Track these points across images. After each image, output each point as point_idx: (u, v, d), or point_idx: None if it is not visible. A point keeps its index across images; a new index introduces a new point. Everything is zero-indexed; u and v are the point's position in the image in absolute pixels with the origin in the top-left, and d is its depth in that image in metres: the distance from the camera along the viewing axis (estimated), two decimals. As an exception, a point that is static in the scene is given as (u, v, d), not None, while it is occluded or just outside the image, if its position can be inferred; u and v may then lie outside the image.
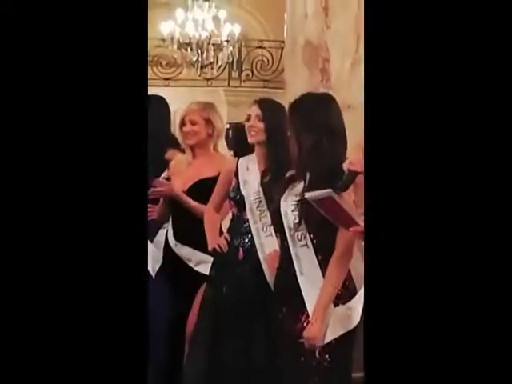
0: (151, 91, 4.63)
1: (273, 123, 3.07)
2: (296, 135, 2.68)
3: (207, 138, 3.53)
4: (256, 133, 3.10)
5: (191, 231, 3.24)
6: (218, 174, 3.34)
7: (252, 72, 10.28)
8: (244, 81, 10.31)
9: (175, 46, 9.46)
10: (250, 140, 3.14)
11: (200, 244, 3.37)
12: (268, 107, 3.14)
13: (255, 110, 3.12)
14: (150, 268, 3.65)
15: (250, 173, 3.16)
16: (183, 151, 3.66)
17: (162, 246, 3.60)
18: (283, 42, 9.82)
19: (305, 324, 2.62)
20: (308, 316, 2.61)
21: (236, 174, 3.20)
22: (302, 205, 2.60)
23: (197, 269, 3.44)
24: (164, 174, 3.65)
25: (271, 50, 10.11)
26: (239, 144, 3.45)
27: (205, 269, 3.35)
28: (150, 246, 3.67)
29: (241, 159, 3.25)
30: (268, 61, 10.12)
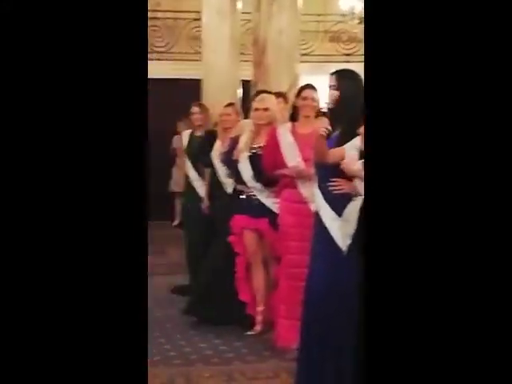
0: (330, 67, 4.59)
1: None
2: None
3: None
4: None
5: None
6: None
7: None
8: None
9: (356, 21, 9.35)
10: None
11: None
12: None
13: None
14: (340, 244, 3.64)
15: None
16: None
17: (355, 221, 3.59)
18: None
19: None
20: None
21: None
22: None
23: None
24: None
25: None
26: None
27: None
28: (338, 221, 3.65)
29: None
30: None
